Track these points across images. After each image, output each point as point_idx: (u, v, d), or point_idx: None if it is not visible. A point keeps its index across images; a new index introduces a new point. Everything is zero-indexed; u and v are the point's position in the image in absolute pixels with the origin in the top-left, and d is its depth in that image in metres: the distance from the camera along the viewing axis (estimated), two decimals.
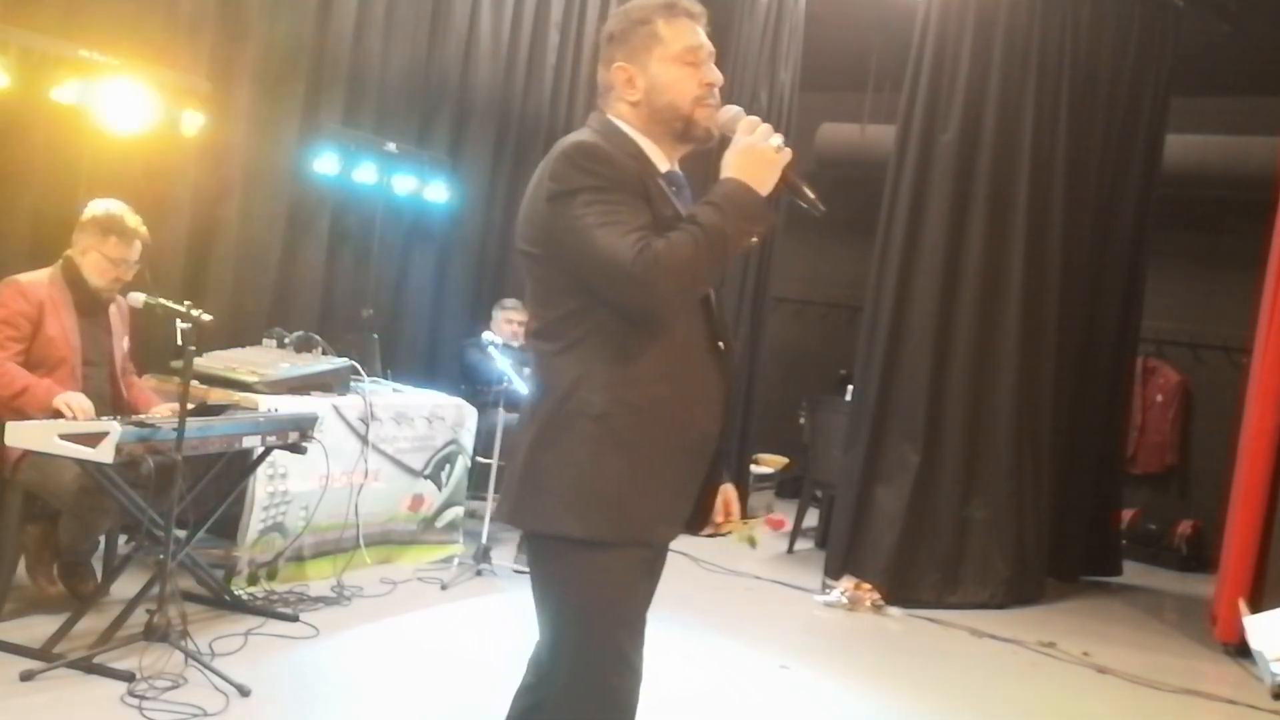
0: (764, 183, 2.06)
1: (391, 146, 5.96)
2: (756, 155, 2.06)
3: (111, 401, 3.93)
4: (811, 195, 2.11)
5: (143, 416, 3.69)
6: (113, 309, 4.01)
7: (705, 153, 2.22)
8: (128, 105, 4.53)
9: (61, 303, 3.82)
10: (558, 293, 2.07)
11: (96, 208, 3.89)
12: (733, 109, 2.15)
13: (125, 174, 4.72)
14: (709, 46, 2.16)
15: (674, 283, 1.97)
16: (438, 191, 6.31)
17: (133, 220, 3.89)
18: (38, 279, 3.82)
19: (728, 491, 2.28)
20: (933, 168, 6.02)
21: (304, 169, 5.66)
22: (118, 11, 4.77)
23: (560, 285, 2.06)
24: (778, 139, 2.08)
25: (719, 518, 2.27)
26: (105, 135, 4.59)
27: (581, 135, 2.11)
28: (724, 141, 2.14)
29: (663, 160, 2.16)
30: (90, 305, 3.90)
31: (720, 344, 2.16)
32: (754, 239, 2.11)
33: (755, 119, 2.12)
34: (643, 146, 2.13)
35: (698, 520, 2.21)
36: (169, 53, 4.90)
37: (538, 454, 2.06)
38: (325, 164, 5.67)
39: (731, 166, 2.06)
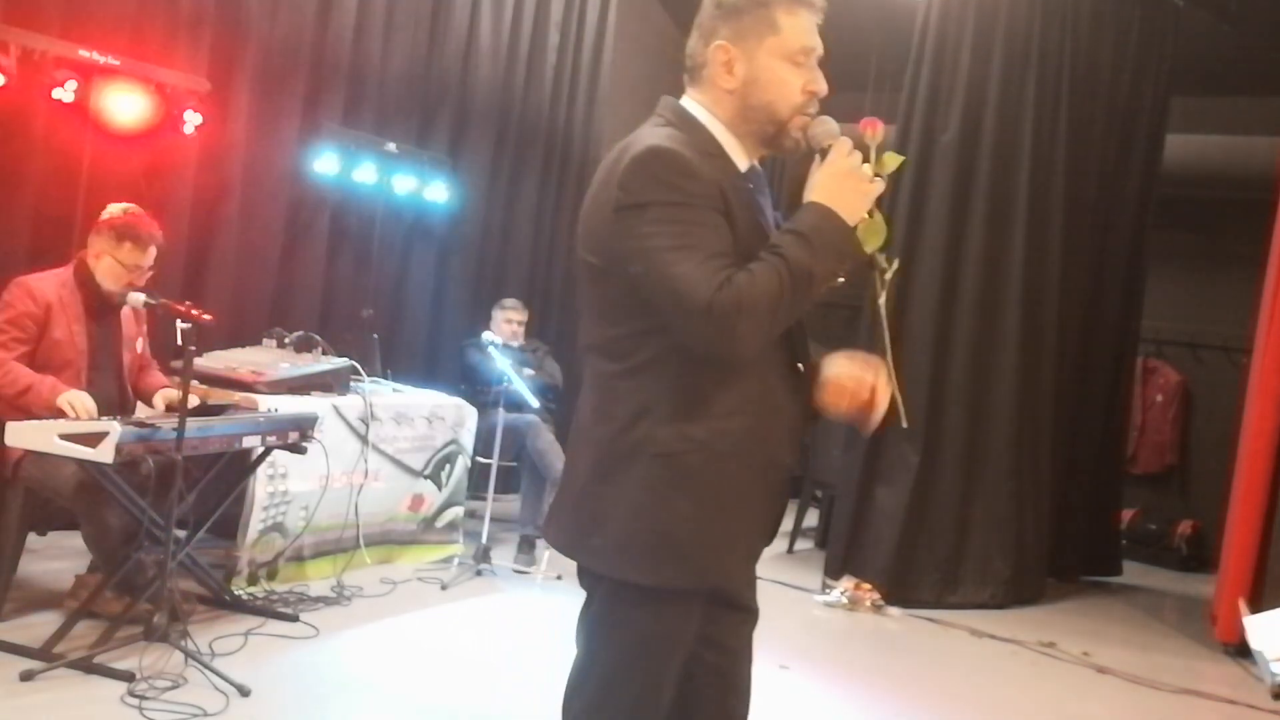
0: (855, 215, 1.84)
1: (391, 146, 5.96)
2: (853, 183, 1.84)
3: (118, 405, 3.92)
4: (883, 264, 1.91)
5: (142, 417, 3.69)
6: (126, 311, 4.00)
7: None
8: (128, 105, 4.53)
9: (71, 305, 3.81)
10: (621, 309, 1.86)
11: (113, 211, 3.89)
12: (829, 123, 1.91)
13: (125, 174, 4.73)
14: (820, 49, 1.92)
15: (754, 326, 1.75)
16: (438, 191, 6.31)
17: (148, 225, 3.89)
18: (48, 280, 3.81)
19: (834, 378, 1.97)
20: (933, 168, 6.02)
21: (304, 169, 5.66)
22: (118, 11, 4.78)
23: (625, 301, 1.85)
24: (868, 168, 1.87)
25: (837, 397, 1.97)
26: (105, 135, 4.59)
27: (655, 138, 1.86)
28: (809, 153, 1.92)
29: (742, 158, 1.93)
30: (101, 308, 3.89)
31: (800, 366, 1.95)
32: (840, 279, 1.87)
33: (849, 141, 1.88)
34: (722, 143, 1.91)
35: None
36: (169, 53, 4.91)
37: (595, 485, 1.88)
38: (325, 164, 5.67)
39: (822, 190, 1.84)
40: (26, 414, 3.55)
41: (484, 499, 5.29)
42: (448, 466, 5.39)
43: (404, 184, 6.13)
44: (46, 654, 3.40)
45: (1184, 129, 7.58)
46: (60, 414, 3.53)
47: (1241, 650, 5.26)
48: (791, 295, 1.78)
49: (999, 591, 6.00)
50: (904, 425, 1.98)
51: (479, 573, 5.14)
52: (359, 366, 4.95)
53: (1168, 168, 7.27)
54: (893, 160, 1.91)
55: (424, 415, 5.25)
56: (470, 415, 5.50)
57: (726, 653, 2.09)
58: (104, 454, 3.29)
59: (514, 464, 5.69)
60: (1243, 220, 7.02)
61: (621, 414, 1.86)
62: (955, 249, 6.00)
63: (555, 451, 5.53)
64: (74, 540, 4.11)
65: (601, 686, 1.94)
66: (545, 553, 5.48)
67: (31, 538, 3.98)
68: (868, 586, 5.68)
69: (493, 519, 5.27)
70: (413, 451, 5.18)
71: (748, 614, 2.13)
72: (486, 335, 5.47)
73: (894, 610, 5.64)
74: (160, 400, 4.01)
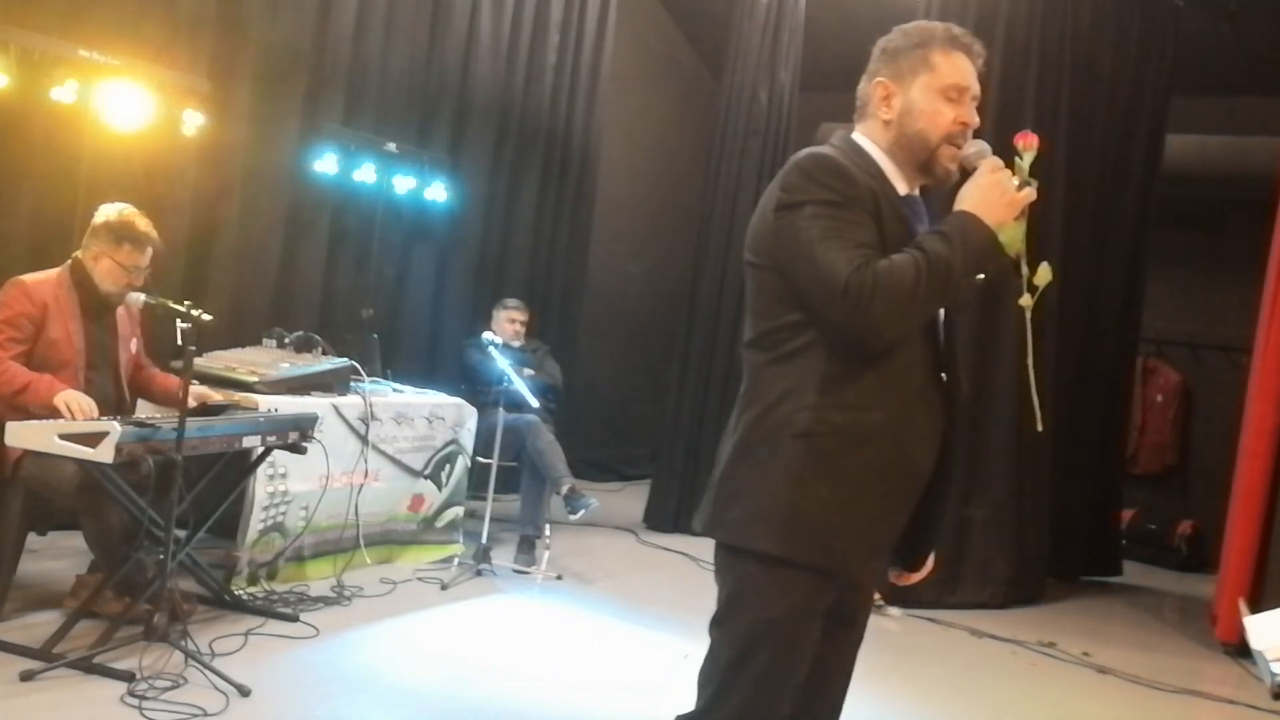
0: (999, 221, 1.97)
1: (391, 146, 5.96)
2: (998, 192, 1.98)
3: (115, 404, 3.92)
4: (1026, 269, 1.99)
5: (142, 417, 3.69)
6: (121, 311, 4.00)
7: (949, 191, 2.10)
8: (128, 105, 4.53)
9: (67, 305, 3.81)
10: (777, 303, 2.01)
11: (109, 213, 3.87)
12: (980, 144, 2.07)
13: (125, 174, 4.72)
14: (976, 90, 2.09)
15: (888, 309, 1.87)
16: (438, 191, 6.31)
17: (145, 225, 3.88)
18: (44, 280, 3.81)
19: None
20: None
21: (304, 169, 5.66)
22: (118, 11, 4.78)
23: (780, 296, 2.00)
24: (1018, 180, 2.00)
25: (915, 574, 2.17)
26: (105, 135, 4.59)
27: (820, 148, 2.05)
28: (964, 175, 2.06)
29: (902, 184, 2.08)
30: (97, 308, 3.89)
31: (944, 375, 2.05)
32: (980, 278, 2.00)
33: (998, 160, 2.03)
34: (883, 167, 2.06)
35: (915, 560, 2.13)
36: (169, 53, 4.91)
37: (736, 465, 2.00)
38: (325, 164, 5.67)
39: (969, 199, 1.98)
40: (24, 413, 3.55)
41: (484, 499, 5.28)
42: (448, 466, 5.39)
43: (404, 184, 6.13)
44: (46, 654, 3.39)
45: (1184, 129, 7.58)
46: (57, 413, 3.53)
47: (1241, 650, 5.26)
48: (929, 285, 1.89)
49: (999, 591, 6.00)
50: (1039, 429, 2.11)
51: (479, 573, 5.14)
52: (359, 366, 4.95)
53: (1168, 168, 7.27)
54: (1028, 154, 2.04)
55: (424, 415, 5.25)
56: (470, 415, 5.50)
57: (823, 664, 2.11)
58: (104, 454, 3.29)
59: (514, 464, 5.69)
60: (1243, 220, 7.04)
61: (766, 398, 1.99)
62: None
63: (555, 451, 5.53)
64: (74, 540, 4.12)
65: (734, 662, 2.00)
66: (545, 553, 5.49)
67: (31, 538, 3.98)
68: None
69: (493, 519, 5.27)
70: (413, 451, 5.18)
71: (849, 629, 2.17)
72: (487, 335, 5.47)
73: (894, 610, 5.63)
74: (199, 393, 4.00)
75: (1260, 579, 5.43)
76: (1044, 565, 6.40)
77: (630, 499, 7.59)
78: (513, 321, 6.04)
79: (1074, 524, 6.88)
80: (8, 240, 4.53)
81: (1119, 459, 7.48)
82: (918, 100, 2.05)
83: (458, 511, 5.51)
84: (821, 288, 1.90)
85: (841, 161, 1.99)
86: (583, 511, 5.35)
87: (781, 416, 1.95)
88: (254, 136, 5.40)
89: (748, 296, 2.10)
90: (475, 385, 5.75)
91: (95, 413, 3.59)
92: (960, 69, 2.07)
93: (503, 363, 5.27)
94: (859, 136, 2.11)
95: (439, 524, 5.42)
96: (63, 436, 3.33)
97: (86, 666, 3.35)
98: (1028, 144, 2.06)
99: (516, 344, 5.97)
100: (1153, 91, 6.97)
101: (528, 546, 5.54)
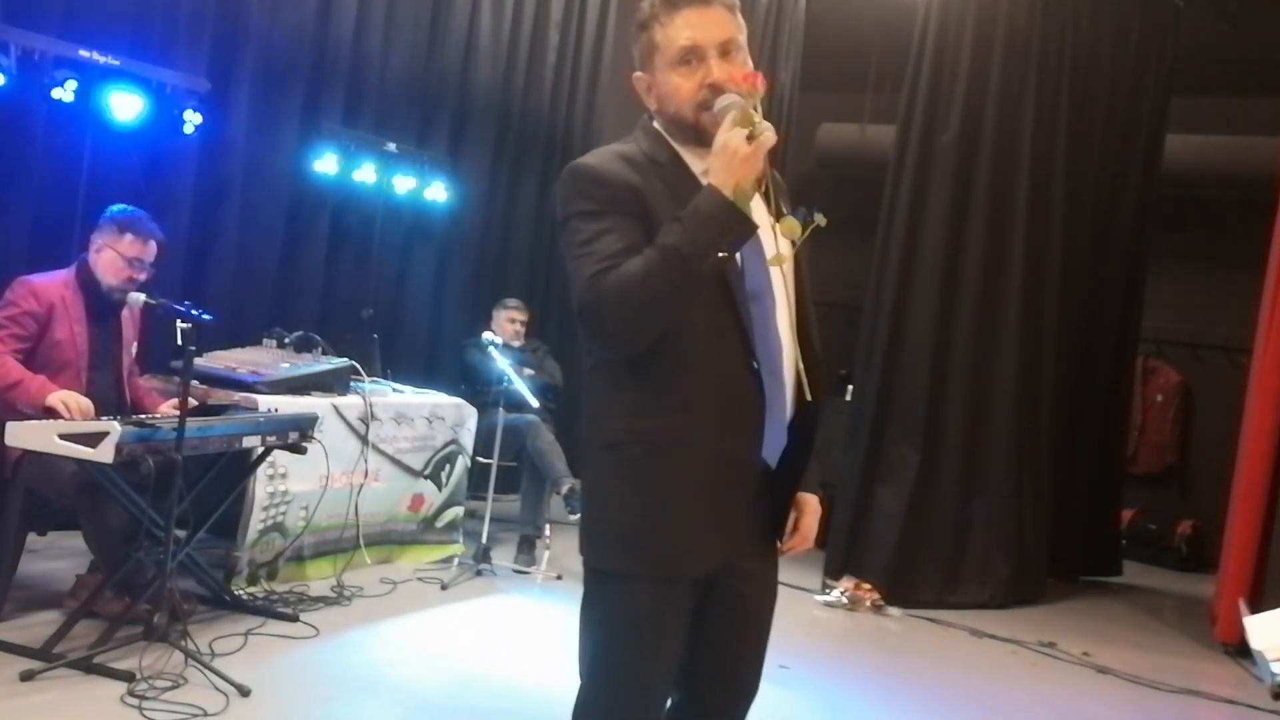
0: (740, 180, 1.80)
1: (391, 146, 5.96)
2: (729, 153, 1.79)
3: (116, 406, 3.92)
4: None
5: (143, 416, 3.69)
6: (125, 313, 4.01)
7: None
8: (128, 105, 4.53)
9: (73, 306, 3.82)
10: None
11: (116, 208, 3.92)
12: (728, 99, 1.87)
13: (125, 174, 4.73)
14: (717, 36, 1.92)
15: (618, 320, 1.80)
16: (438, 191, 6.31)
17: (150, 221, 3.91)
18: (52, 281, 3.82)
19: (804, 509, 2.18)
20: (933, 168, 6.02)
21: (304, 169, 5.67)
22: (118, 11, 4.78)
23: None
24: (747, 131, 1.80)
25: (789, 539, 2.17)
26: (105, 135, 4.59)
27: (587, 156, 1.97)
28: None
29: (699, 163, 1.96)
30: (102, 310, 3.90)
31: (755, 363, 1.93)
32: (723, 253, 1.82)
33: (733, 115, 1.83)
34: (680, 150, 1.98)
35: (781, 539, 2.13)
36: (169, 53, 4.91)
37: (581, 476, 2.06)
38: (325, 164, 5.68)
39: (711, 170, 1.82)
40: (12, 409, 3.55)
41: (484, 499, 5.29)
42: (448, 466, 5.39)
43: (404, 184, 6.13)
44: (46, 654, 3.40)
45: (1184, 129, 7.58)
46: (49, 413, 3.53)
47: (1241, 650, 5.26)
48: (661, 282, 1.78)
49: (999, 591, 6.00)
50: (808, 398, 1.97)
51: (479, 573, 5.14)
52: (359, 366, 4.95)
53: (1168, 168, 7.27)
54: (752, 98, 1.85)
55: (424, 415, 5.25)
56: (470, 415, 5.50)
57: (720, 649, 2.08)
58: (104, 454, 3.29)
59: (514, 464, 5.69)
60: (1243, 220, 7.03)
61: (588, 408, 2.00)
62: (955, 249, 6.00)
63: (555, 451, 5.53)
64: (74, 540, 4.12)
65: (591, 667, 2.02)
66: (545, 553, 5.49)
67: (31, 538, 3.99)
68: (868, 586, 5.69)
69: (493, 519, 5.27)
70: (413, 451, 5.18)
71: (748, 612, 2.11)
72: (487, 335, 5.47)
73: (894, 610, 5.64)
74: (168, 407, 4.00)
75: (1260, 579, 5.43)
76: (1044, 565, 6.40)
77: None
78: (513, 321, 6.05)
79: (1074, 524, 6.88)
80: (8, 240, 4.54)
81: (1119, 459, 7.48)
82: (662, 83, 1.96)
83: (458, 511, 5.51)
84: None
85: (593, 165, 1.90)
86: None
87: (596, 426, 1.95)
88: (254, 136, 5.40)
89: None
90: (475, 385, 5.75)
91: (93, 413, 3.59)
92: (681, 30, 1.92)
93: (503, 363, 5.27)
94: (656, 123, 2.02)
95: (439, 524, 5.42)
96: (63, 436, 3.33)
97: (86, 666, 3.35)
98: (751, 87, 1.88)
99: (516, 344, 5.97)
100: (1153, 91, 6.97)
101: (528, 546, 5.54)
